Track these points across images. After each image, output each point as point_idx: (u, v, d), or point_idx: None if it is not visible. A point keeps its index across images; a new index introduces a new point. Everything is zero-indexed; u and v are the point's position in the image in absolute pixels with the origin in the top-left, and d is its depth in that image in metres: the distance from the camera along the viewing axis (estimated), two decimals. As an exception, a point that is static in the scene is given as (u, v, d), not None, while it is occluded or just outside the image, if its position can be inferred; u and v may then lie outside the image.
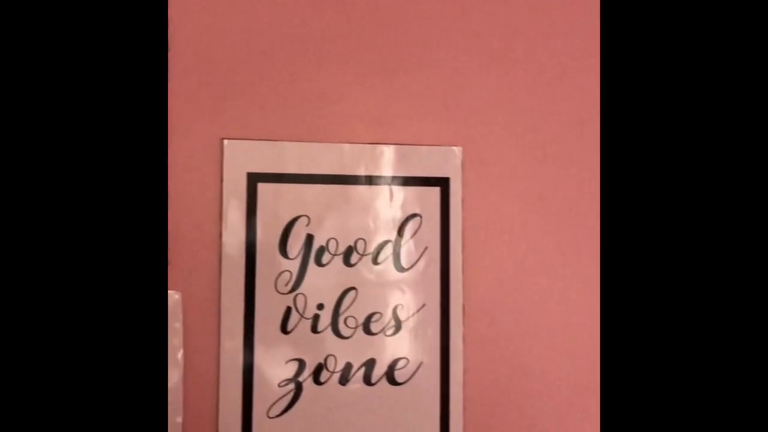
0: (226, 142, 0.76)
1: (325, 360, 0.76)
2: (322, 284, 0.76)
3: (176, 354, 0.74)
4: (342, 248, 0.77)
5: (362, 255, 0.77)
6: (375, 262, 0.77)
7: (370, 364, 0.77)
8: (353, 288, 0.77)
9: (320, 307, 0.76)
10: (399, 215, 0.78)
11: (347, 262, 0.77)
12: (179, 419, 0.73)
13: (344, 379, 0.76)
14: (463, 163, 0.80)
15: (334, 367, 0.76)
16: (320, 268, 0.77)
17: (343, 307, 0.77)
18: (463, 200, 0.79)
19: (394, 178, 0.78)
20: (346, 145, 0.78)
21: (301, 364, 0.76)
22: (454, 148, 0.79)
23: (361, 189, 0.78)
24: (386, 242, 0.78)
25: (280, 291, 0.76)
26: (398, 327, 0.77)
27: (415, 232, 0.78)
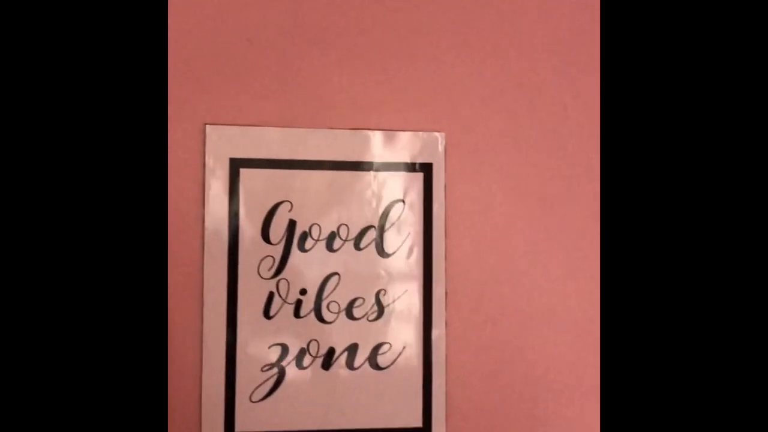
0: (208, 127, 0.76)
1: (308, 345, 0.76)
2: (304, 269, 0.77)
3: (159, 338, 0.74)
4: (325, 234, 0.77)
5: (345, 240, 0.77)
6: (358, 247, 0.78)
7: (353, 348, 0.77)
8: (336, 273, 0.77)
9: (303, 292, 0.77)
10: (382, 201, 0.78)
11: (330, 247, 0.77)
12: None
13: (327, 364, 0.77)
14: (446, 149, 0.80)
15: (317, 352, 0.76)
16: (303, 253, 0.77)
17: (326, 293, 0.77)
18: (446, 186, 0.79)
19: (377, 163, 0.78)
20: (329, 131, 0.78)
21: (284, 348, 0.76)
22: (437, 134, 0.79)
23: (344, 174, 0.78)
24: (369, 228, 0.78)
25: (263, 276, 0.76)
26: (381, 312, 0.78)
27: (398, 218, 0.78)
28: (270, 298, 0.76)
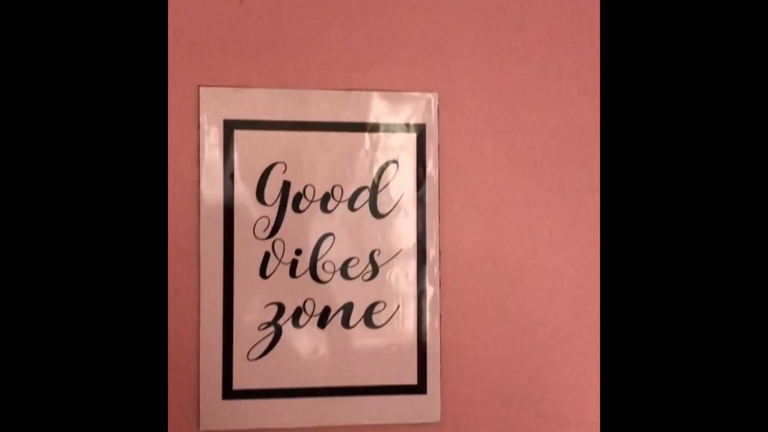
0: (202, 89, 0.76)
1: (304, 304, 0.78)
2: (299, 230, 0.78)
3: (158, 299, 0.75)
4: (319, 195, 0.78)
5: (339, 201, 0.78)
6: (352, 208, 0.78)
7: (348, 308, 0.78)
8: (330, 234, 0.78)
9: (298, 252, 0.78)
10: (375, 162, 0.79)
11: (324, 208, 0.78)
12: (162, 361, 0.75)
13: (323, 323, 0.78)
14: (439, 110, 0.80)
15: (313, 311, 0.78)
16: (297, 214, 0.78)
17: (320, 253, 0.78)
18: (439, 146, 0.80)
19: (370, 124, 0.79)
20: (323, 92, 0.78)
21: (280, 307, 0.77)
22: (430, 94, 0.80)
23: (338, 136, 0.78)
24: (363, 188, 0.79)
25: (259, 237, 0.77)
26: (375, 272, 0.79)
27: (392, 179, 0.79)
28: (266, 258, 0.77)
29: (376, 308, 0.79)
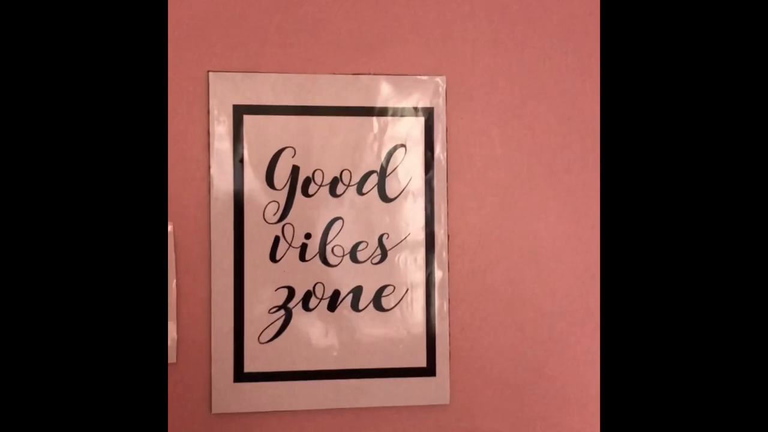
0: (211, 74, 0.77)
1: (314, 287, 0.78)
2: (309, 214, 0.78)
3: (170, 283, 0.76)
4: (328, 179, 0.78)
5: (348, 186, 0.79)
6: (360, 192, 0.79)
7: (357, 291, 0.79)
8: (339, 218, 0.79)
9: (308, 236, 0.78)
10: (384, 146, 0.79)
11: (333, 192, 0.78)
12: (173, 348, 0.76)
13: (333, 306, 0.79)
14: (447, 93, 0.80)
15: (323, 294, 0.78)
16: (307, 198, 0.78)
17: (330, 236, 0.78)
18: (447, 130, 0.80)
19: (378, 108, 0.79)
20: (331, 76, 0.78)
21: (291, 291, 0.78)
22: (437, 78, 0.80)
23: (346, 120, 0.79)
24: (371, 173, 0.79)
25: (269, 221, 0.78)
26: (384, 255, 0.79)
27: (400, 163, 0.79)
28: (276, 242, 0.78)
29: (385, 292, 0.79)
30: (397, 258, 0.79)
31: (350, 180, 0.79)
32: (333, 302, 0.79)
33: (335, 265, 0.79)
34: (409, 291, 0.80)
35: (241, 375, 0.77)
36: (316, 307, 0.78)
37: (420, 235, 0.80)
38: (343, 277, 0.79)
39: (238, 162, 0.77)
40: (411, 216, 0.80)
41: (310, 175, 0.78)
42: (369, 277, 0.79)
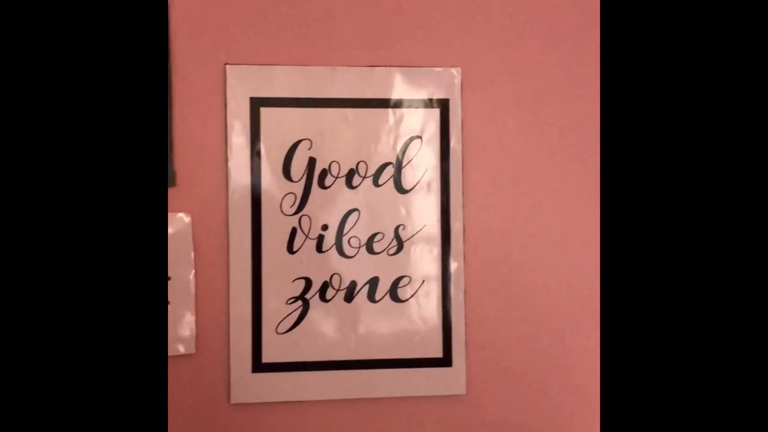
0: (228, 67, 0.78)
1: (331, 278, 0.79)
2: (325, 206, 0.79)
3: (188, 275, 0.77)
4: (344, 171, 0.79)
5: (364, 177, 0.79)
6: (376, 184, 0.79)
7: (373, 282, 0.79)
8: (356, 209, 0.79)
9: (324, 227, 0.79)
10: (399, 137, 0.80)
11: (349, 184, 0.79)
12: (192, 339, 0.77)
13: (349, 297, 0.79)
14: (462, 85, 0.80)
15: (340, 285, 0.79)
16: (323, 190, 0.79)
17: (346, 228, 0.79)
18: (462, 121, 0.80)
19: (394, 100, 0.79)
20: (347, 68, 0.79)
21: (308, 282, 0.79)
22: (453, 69, 0.80)
23: (362, 112, 0.79)
24: (387, 164, 0.79)
25: (286, 213, 0.78)
26: (400, 247, 0.80)
27: (416, 154, 0.80)
28: (293, 233, 0.78)
29: (402, 283, 0.80)
30: (413, 249, 0.80)
31: (366, 172, 0.79)
32: (350, 293, 0.79)
33: (352, 257, 0.79)
34: (425, 282, 0.80)
35: (259, 365, 0.78)
36: (332, 298, 0.79)
37: (435, 226, 0.80)
38: (360, 268, 0.79)
39: (255, 154, 0.78)
40: (427, 207, 0.80)
41: (327, 167, 0.79)
42: (385, 269, 0.80)
